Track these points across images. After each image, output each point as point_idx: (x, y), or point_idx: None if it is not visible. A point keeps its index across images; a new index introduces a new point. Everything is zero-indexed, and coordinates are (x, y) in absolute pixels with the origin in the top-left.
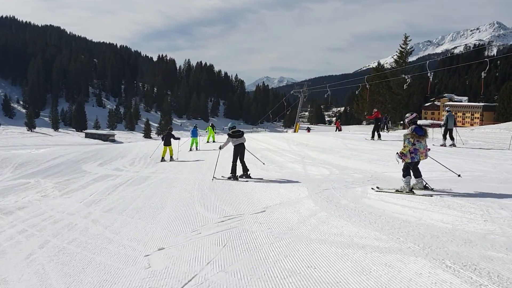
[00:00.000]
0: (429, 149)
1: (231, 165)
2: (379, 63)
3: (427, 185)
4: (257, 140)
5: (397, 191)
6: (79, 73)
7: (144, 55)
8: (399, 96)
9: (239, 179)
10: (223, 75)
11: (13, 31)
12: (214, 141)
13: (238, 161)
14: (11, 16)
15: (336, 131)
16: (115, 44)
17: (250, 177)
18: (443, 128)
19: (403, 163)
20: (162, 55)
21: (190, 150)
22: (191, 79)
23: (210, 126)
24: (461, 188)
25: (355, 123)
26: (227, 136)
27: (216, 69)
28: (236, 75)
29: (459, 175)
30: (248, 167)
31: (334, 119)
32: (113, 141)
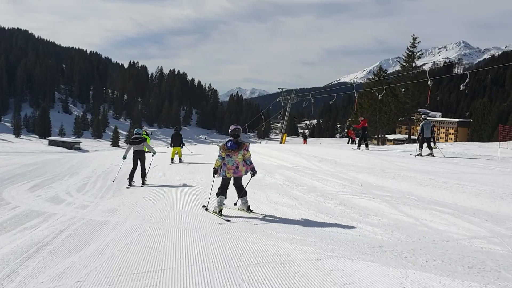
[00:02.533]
0: (244, 173)
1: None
2: (380, 68)
3: (250, 208)
4: (259, 153)
5: (213, 211)
6: (45, 78)
7: (115, 61)
8: (406, 105)
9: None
10: (196, 84)
11: None
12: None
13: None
14: None
15: (349, 142)
16: (84, 50)
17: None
18: (419, 137)
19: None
20: (134, 62)
21: (172, 162)
22: (163, 86)
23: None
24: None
25: (328, 135)
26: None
27: (189, 78)
28: (210, 84)
29: None
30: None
31: (307, 131)
32: (78, 149)
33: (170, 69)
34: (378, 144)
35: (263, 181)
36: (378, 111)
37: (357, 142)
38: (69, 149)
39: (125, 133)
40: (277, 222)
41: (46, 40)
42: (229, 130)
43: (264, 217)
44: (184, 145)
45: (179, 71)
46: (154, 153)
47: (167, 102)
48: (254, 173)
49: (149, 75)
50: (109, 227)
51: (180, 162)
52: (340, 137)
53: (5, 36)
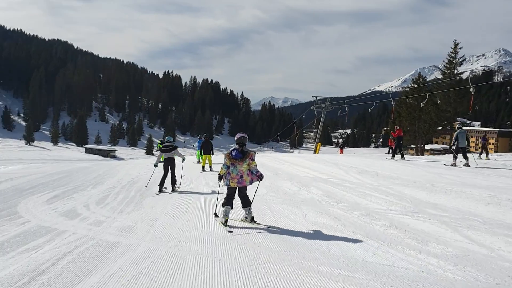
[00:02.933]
0: (249, 183)
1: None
2: (420, 75)
3: (254, 219)
4: (293, 164)
5: (220, 222)
6: (82, 87)
7: (150, 72)
8: (448, 113)
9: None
10: (228, 93)
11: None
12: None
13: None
14: (19, 29)
15: (389, 152)
16: (121, 60)
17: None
18: (453, 147)
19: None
20: (168, 71)
21: (203, 171)
22: (196, 96)
23: (160, 142)
24: None
25: (362, 145)
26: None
27: (222, 87)
28: (242, 93)
29: None
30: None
31: (341, 140)
32: (114, 157)
33: (203, 79)
34: (417, 154)
35: (298, 195)
36: (417, 119)
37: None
38: (104, 156)
39: (158, 141)
40: (317, 249)
41: (85, 50)
42: (235, 139)
43: (296, 234)
44: (213, 153)
45: (212, 80)
46: (184, 159)
47: (200, 111)
48: (261, 178)
49: (183, 85)
50: (119, 250)
51: (211, 170)
52: (375, 147)
53: (45, 47)
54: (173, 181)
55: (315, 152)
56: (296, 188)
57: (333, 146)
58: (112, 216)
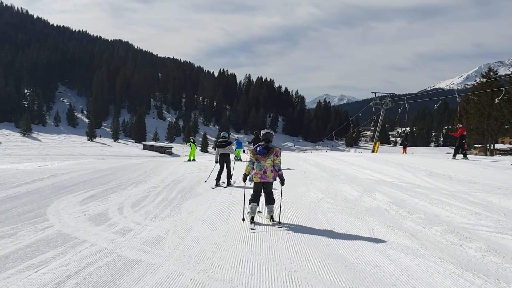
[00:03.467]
0: (272, 179)
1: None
2: (490, 69)
3: (273, 218)
4: (352, 164)
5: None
6: (142, 86)
7: (206, 70)
8: None
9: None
10: (283, 91)
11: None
12: (194, 160)
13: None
14: (83, 30)
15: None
16: (179, 59)
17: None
18: None
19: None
20: (223, 70)
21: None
22: (250, 94)
23: (192, 141)
24: None
25: (421, 144)
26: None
27: (276, 85)
28: (297, 90)
29: None
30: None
31: (399, 139)
32: (170, 153)
33: (258, 77)
34: (486, 154)
35: (360, 203)
36: (486, 117)
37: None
38: (162, 153)
39: (213, 139)
40: (395, 285)
41: (145, 50)
42: (261, 135)
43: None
44: None
45: (266, 78)
46: (235, 156)
47: (254, 109)
48: (282, 181)
49: (238, 83)
50: (135, 274)
51: None
52: (435, 146)
53: (107, 47)
54: (229, 176)
55: (373, 151)
56: (358, 193)
57: (391, 145)
58: (143, 222)
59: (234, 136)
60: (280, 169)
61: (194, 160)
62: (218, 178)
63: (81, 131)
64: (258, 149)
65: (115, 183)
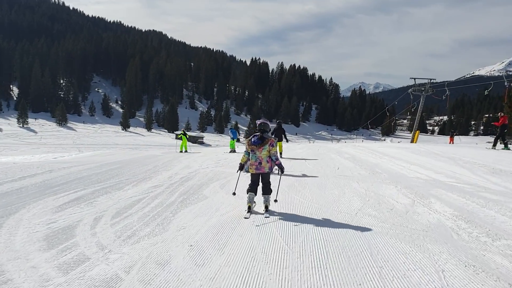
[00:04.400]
0: (268, 170)
1: None
2: None
3: (268, 208)
4: (392, 158)
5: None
6: (174, 75)
7: (239, 59)
8: None
9: None
10: (316, 79)
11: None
12: (186, 151)
13: None
14: (118, 21)
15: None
16: (211, 48)
17: None
18: None
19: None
20: (255, 58)
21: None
22: (283, 82)
23: (182, 133)
24: None
25: (460, 133)
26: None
27: (310, 73)
28: (331, 78)
29: None
30: None
31: (437, 128)
32: (202, 143)
33: (291, 64)
34: None
35: (413, 216)
36: None
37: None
38: (193, 143)
39: (245, 128)
40: None
41: (178, 40)
42: (257, 124)
43: None
44: (288, 140)
45: (299, 66)
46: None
47: (287, 97)
48: (281, 170)
49: (270, 71)
50: None
51: (281, 157)
52: (474, 135)
53: (141, 37)
54: (241, 167)
55: (412, 141)
56: (408, 200)
57: (428, 134)
58: (109, 247)
59: (164, 131)
60: (277, 159)
61: (186, 151)
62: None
63: (115, 121)
64: (253, 140)
65: (114, 181)
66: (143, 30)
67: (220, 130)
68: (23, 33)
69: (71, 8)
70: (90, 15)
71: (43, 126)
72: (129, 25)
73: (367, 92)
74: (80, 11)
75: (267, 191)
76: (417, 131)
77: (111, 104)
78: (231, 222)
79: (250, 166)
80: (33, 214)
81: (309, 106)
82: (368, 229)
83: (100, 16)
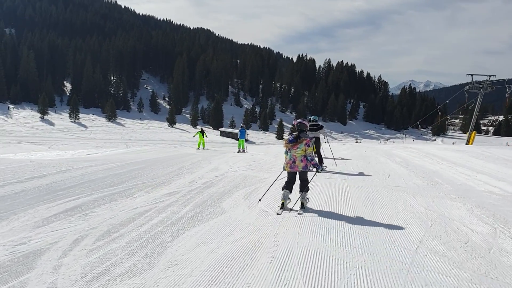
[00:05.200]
0: (301, 169)
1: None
2: None
3: (303, 205)
4: (452, 163)
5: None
6: (220, 72)
7: (285, 56)
8: None
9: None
10: (365, 76)
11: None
12: (204, 148)
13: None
14: (167, 19)
15: None
16: (258, 45)
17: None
18: None
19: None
20: (302, 55)
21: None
22: (330, 79)
23: (200, 131)
24: None
25: None
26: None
27: (358, 70)
28: (380, 76)
29: None
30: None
31: (491, 128)
32: (246, 140)
33: (338, 61)
34: None
35: (501, 258)
36: None
37: None
38: (236, 140)
39: (290, 125)
40: None
41: (225, 38)
42: (294, 123)
43: None
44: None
45: (347, 63)
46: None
47: (333, 95)
48: (317, 169)
49: (317, 68)
50: None
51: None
52: None
53: (189, 35)
54: (320, 161)
55: (468, 143)
56: (486, 227)
57: (482, 134)
58: None
59: (209, 127)
60: (312, 159)
61: (203, 148)
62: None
63: (162, 117)
64: (290, 139)
65: (127, 185)
66: (191, 28)
67: (264, 128)
68: (76, 30)
69: (122, 6)
70: (141, 14)
71: (93, 121)
72: (178, 23)
73: (418, 90)
74: (131, 9)
75: (303, 188)
76: (474, 132)
77: (158, 100)
78: (243, 255)
79: (286, 164)
80: (10, 229)
81: (357, 104)
82: (431, 272)
83: (150, 14)
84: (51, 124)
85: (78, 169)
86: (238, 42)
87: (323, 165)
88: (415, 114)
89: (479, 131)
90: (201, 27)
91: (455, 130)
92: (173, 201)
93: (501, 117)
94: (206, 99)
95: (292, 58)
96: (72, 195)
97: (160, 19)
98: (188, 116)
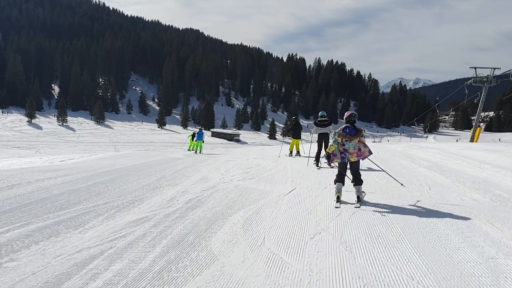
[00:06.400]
0: (368, 154)
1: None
2: None
3: (360, 198)
4: (475, 160)
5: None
6: (210, 72)
7: (275, 56)
8: None
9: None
10: (355, 75)
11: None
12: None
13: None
14: (156, 20)
15: None
16: (248, 45)
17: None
18: None
19: (335, 163)
20: (292, 54)
21: (290, 155)
22: (320, 78)
23: (191, 135)
24: None
25: (508, 129)
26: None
27: (348, 68)
28: (370, 74)
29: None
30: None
31: (482, 124)
32: (238, 141)
33: (328, 60)
34: None
35: None
36: None
37: None
38: (229, 140)
39: (282, 125)
40: None
41: (214, 38)
42: (345, 116)
43: None
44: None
45: (337, 61)
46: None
47: (324, 94)
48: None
49: (307, 67)
50: None
51: (296, 155)
52: None
53: (178, 36)
54: (328, 157)
55: (472, 140)
56: None
57: (471, 130)
58: None
59: (196, 127)
60: (366, 146)
61: (200, 152)
62: (317, 159)
63: (152, 118)
64: (348, 130)
65: (83, 207)
66: (180, 29)
67: (256, 128)
68: (64, 33)
69: (110, 8)
70: (129, 15)
71: (81, 124)
72: (167, 24)
73: (407, 87)
74: (119, 11)
75: (358, 181)
76: (478, 129)
77: (148, 102)
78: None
79: (351, 155)
80: None
81: (347, 102)
82: None
83: (138, 16)
84: (39, 128)
85: (32, 183)
86: (228, 43)
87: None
88: (406, 111)
89: (470, 127)
90: (190, 28)
91: (446, 127)
92: (139, 236)
93: (492, 113)
94: (197, 99)
95: (282, 58)
96: (24, 220)
97: (148, 20)
98: (178, 117)
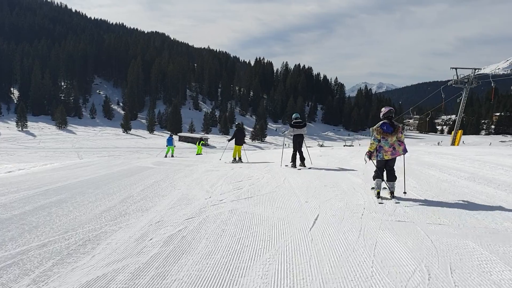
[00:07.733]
0: (403, 152)
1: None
2: None
3: (393, 194)
4: (486, 163)
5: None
6: (177, 76)
7: (242, 60)
8: None
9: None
10: (321, 79)
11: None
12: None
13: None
14: (120, 23)
15: None
16: (214, 49)
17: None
18: None
19: (372, 161)
20: (259, 58)
21: (234, 161)
22: (288, 82)
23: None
24: None
25: (470, 132)
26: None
27: (314, 72)
28: (336, 78)
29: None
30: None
31: (445, 127)
32: (207, 145)
33: (295, 64)
34: None
35: None
36: None
37: None
38: (195, 144)
39: (251, 129)
40: None
41: (180, 41)
42: (383, 113)
43: None
44: (245, 142)
45: (304, 66)
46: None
47: (292, 97)
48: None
49: (275, 71)
50: None
51: (239, 161)
52: (486, 134)
53: (143, 39)
54: (302, 158)
55: (453, 144)
56: None
57: (437, 133)
58: None
59: (167, 133)
60: (403, 142)
61: (172, 156)
62: (293, 159)
63: (116, 123)
64: (385, 128)
65: (44, 236)
66: (146, 32)
67: (225, 131)
68: (23, 35)
69: (73, 10)
70: (93, 18)
71: (43, 130)
72: (132, 27)
73: (372, 92)
74: (82, 13)
75: (392, 177)
76: (460, 131)
77: (112, 106)
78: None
79: (385, 153)
80: None
81: (315, 106)
82: None
83: (102, 18)
84: None
85: (12, 194)
86: (194, 46)
87: (305, 163)
88: (372, 115)
89: (434, 131)
90: (156, 31)
91: (411, 130)
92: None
93: (454, 116)
94: (163, 103)
95: (249, 62)
96: None
97: (112, 23)
98: (144, 121)
